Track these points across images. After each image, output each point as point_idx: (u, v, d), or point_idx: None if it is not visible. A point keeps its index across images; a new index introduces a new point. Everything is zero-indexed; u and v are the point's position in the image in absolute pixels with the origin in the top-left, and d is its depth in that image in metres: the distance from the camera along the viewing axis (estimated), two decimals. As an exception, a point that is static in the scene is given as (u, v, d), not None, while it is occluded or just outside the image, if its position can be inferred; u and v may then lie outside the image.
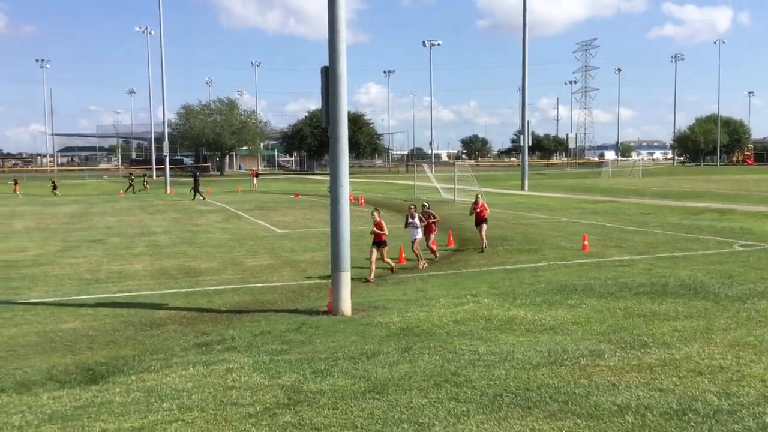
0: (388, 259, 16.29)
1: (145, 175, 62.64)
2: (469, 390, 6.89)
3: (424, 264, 17.30)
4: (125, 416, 6.58)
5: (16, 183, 54.44)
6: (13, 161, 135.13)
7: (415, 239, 17.42)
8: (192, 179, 46.89)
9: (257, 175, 63.26)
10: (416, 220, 17.34)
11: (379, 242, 15.99)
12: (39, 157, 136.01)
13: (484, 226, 19.79)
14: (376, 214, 16.22)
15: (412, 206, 17.98)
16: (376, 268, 15.82)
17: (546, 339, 9.23)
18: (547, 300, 12.14)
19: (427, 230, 18.31)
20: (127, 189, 54.71)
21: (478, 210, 19.82)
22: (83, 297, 14.19)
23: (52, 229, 27.74)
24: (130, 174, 62.52)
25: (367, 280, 15.29)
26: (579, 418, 6.04)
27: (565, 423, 5.92)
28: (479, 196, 20.42)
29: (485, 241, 19.62)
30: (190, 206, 39.35)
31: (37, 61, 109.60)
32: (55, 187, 53.13)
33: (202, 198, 43.98)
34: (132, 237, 24.45)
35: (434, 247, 18.55)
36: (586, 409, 6.26)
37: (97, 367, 9.05)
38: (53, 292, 14.67)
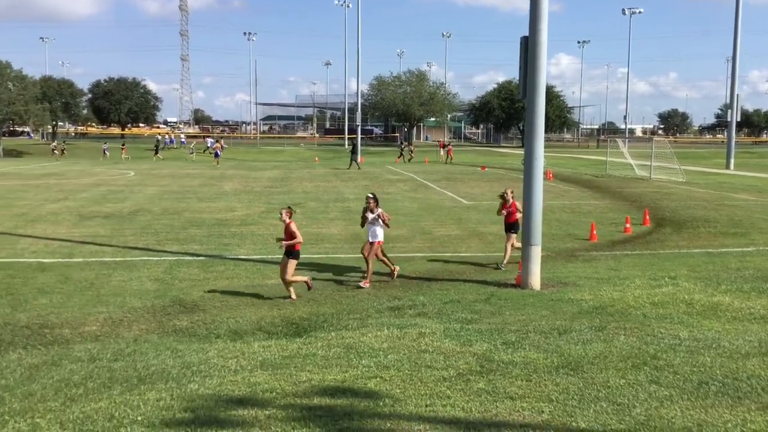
0: (292, 277, 11.70)
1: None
2: (670, 375, 6.59)
3: (396, 270, 13.17)
4: (328, 369, 7.02)
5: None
6: (221, 128, 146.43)
7: (375, 242, 12.80)
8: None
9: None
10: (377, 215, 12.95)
11: (290, 252, 11.74)
12: (243, 125, 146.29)
13: (512, 235, 14.27)
14: (284, 213, 11.98)
15: (371, 197, 13.12)
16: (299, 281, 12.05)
17: (756, 328, 8.58)
18: (757, 287, 11.25)
19: None
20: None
21: (506, 212, 14.49)
22: (285, 256, 15.21)
23: (256, 192, 29.93)
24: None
25: (299, 296, 11.69)
26: (797, 414, 5.59)
27: (781, 418, 5.51)
28: (509, 192, 14.64)
29: (509, 253, 14.24)
30: (380, 175, 40.63)
31: (244, 33, 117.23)
32: (156, 151, 55.46)
33: (357, 167, 45.99)
34: (327, 202, 25.76)
35: (376, 260, 12.98)
36: (805, 406, 5.78)
37: (301, 322, 9.74)
38: (259, 250, 15.87)
